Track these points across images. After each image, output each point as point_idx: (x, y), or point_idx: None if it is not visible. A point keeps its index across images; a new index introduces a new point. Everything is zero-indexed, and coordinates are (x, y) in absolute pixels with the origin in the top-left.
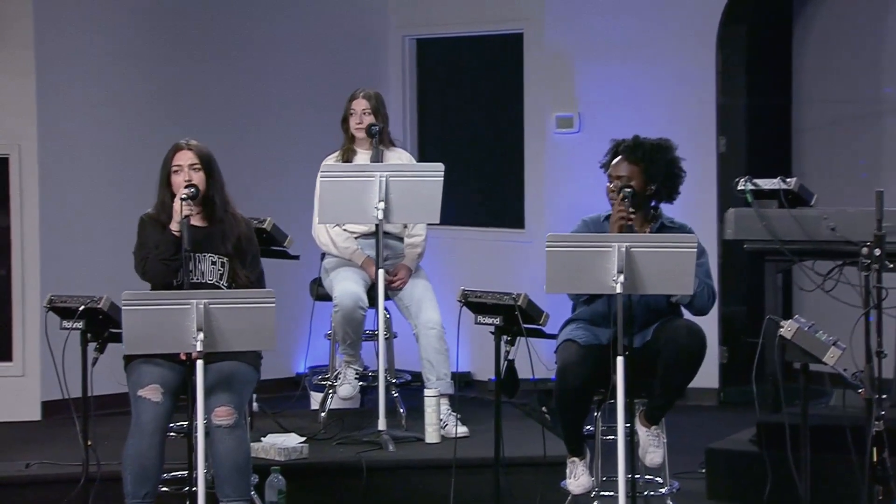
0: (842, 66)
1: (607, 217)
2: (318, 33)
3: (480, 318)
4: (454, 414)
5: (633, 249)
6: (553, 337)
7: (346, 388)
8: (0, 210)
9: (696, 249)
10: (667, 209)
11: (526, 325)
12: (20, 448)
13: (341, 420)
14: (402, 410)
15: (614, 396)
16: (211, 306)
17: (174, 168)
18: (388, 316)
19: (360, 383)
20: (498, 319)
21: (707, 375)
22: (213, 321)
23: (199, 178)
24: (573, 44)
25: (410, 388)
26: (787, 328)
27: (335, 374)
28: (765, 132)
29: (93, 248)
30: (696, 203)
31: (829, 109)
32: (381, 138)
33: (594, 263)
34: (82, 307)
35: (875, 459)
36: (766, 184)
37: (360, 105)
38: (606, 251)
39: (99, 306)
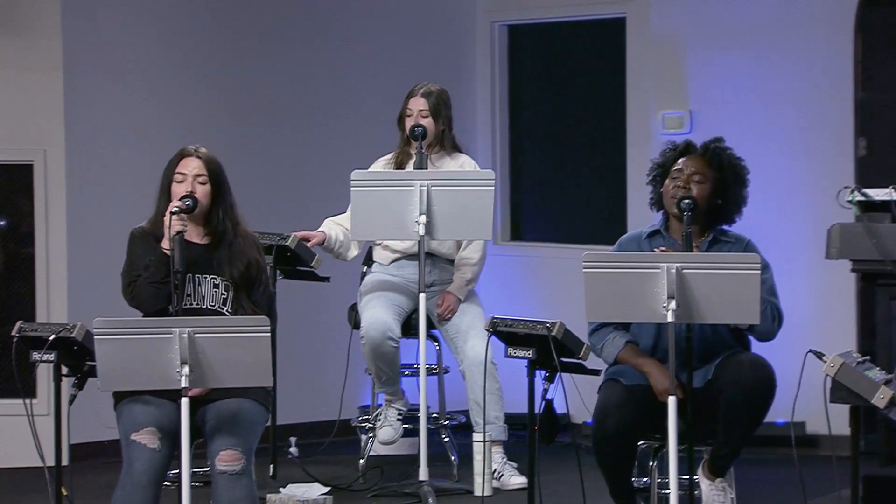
0: None
1: (651, 234)
2: (394, 19)
3: (511, 351)
4: (510, 463)
5: (685, 271)
6: (595, 373)
7: (387, 430)
8: (24, 224)
9: (759, 271)
10: None
11: (562, 359)
12: (14, 499)
13: (380, 468)
14: (453, 458)
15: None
16: (196, 336)
17: (177, 177)
18: (437, 347)
19: (405, 426)
20: (531, 352)
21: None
22: (200, 353)
23: (203, 191)
24: (684, 29)
25: (466, 431)
26: (831, 364)
27: (376, 414)
28: None
29: None
30: (826, 215)
31: None
32: (441, 143)
33: (640, 287)
34: (53, 336)
35: None
36: (877, 194)
37: (417, 105)
38: (653, 273)
39: (72, 335)
